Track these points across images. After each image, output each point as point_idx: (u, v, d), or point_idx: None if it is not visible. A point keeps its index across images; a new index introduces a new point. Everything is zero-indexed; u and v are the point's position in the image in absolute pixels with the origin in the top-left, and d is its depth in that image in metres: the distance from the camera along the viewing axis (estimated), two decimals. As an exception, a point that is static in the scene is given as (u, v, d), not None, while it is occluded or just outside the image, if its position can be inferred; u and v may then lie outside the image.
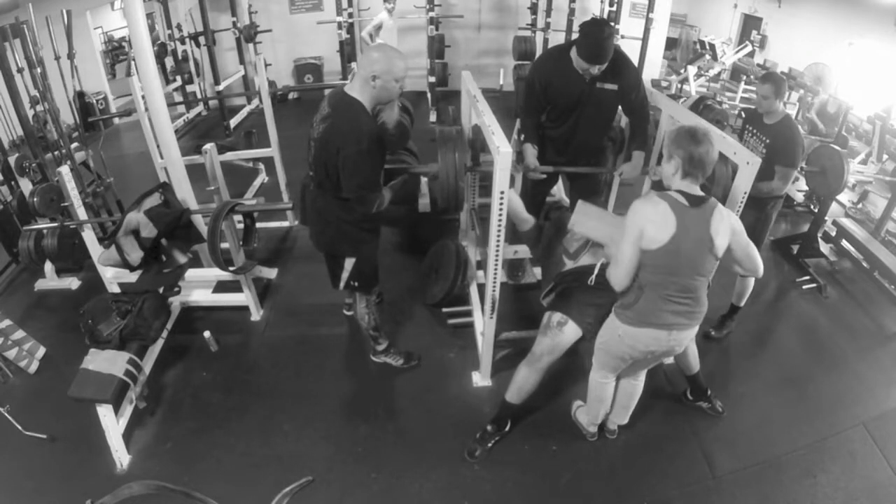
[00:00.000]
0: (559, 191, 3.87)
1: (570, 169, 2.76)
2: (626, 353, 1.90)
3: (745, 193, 2.02)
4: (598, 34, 2.34)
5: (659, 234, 1.64)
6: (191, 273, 2.99)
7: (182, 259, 2.72)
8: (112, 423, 2.22)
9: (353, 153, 1.91)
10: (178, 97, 6.39)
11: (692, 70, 6.40)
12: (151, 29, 6.37)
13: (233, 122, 6.06)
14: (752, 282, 2.79)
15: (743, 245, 1.75)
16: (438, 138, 2.21)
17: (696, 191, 1.69)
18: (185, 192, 2.79)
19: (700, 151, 1.62)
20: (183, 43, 6.27)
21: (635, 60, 6.09)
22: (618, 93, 2.55)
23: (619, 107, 2.68)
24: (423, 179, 3.83)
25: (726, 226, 1.68)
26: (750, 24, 8.08)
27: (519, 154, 2.77)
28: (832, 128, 5.21)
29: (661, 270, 1.69)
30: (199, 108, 6.61)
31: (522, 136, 2.77)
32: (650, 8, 5.92)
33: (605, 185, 3.11)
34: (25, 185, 3.26)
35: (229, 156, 4.15)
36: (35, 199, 2.90)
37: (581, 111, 2.61)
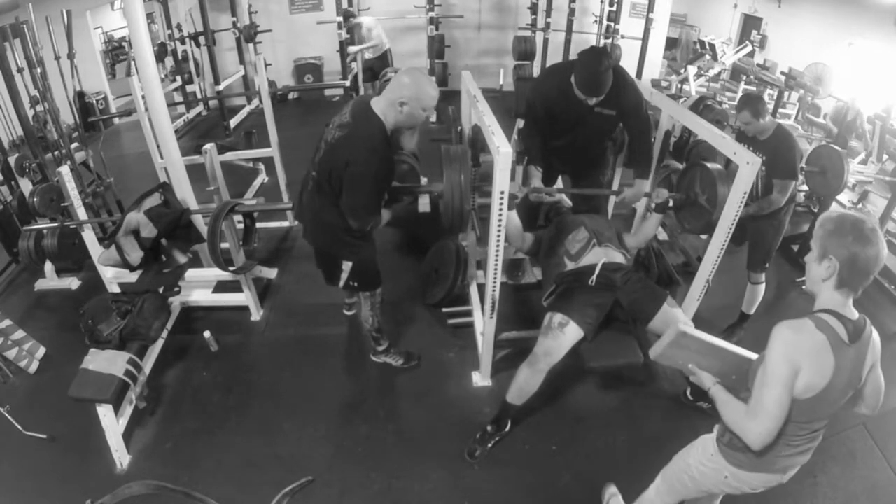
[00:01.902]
0: (559, 191, 3.88)
1: (574, 190, 2.78)
2: (723, 490, 1.55)
3: (745, 194, 2.02)
4: (594, 67, 2.29)
5: (815, 379, 1.22)
6: (191, 273, 2.98)
7: (182, 259, 2.72)
8: (112, 423, 2.22)
9: (362, 172, 1.88)
10: (178, 97, 6.39)
11: (692, 70, 6.39)
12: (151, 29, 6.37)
13: (233, 122, 6.06)
14: (762, 289, 2.76)
15: (876, 375, 1.35)
16: (444, 157, 2.18)
17: (852, 310, 1.27)
18: (185, 192, 2.79)
19: (868, 254, 1.19)
20: (183, 43, 6.27)
21: (635, 60, 6.17)
22: (616, 117, 2.56)
23: None
24: (424, 179, 3.84)
25: (874, 355, 1.32)
26: (750, 24, 8.08)
27: (519, 154, 2.77)
28: (848, 134, 5.17)
29: (795, 418, 1.29)
30: (199, 108, 6.61)
31: (526, 159, 2.77)
32: (650, 8, 5.92)
33: (606, 185, 3.12)
34: (25, 185, 3.26)
35: (229, 156, 4.15)
36: (35, 199, 2.90)
37: (580, 130, 2.63)
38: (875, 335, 1.31)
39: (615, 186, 3.31)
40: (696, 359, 1.52)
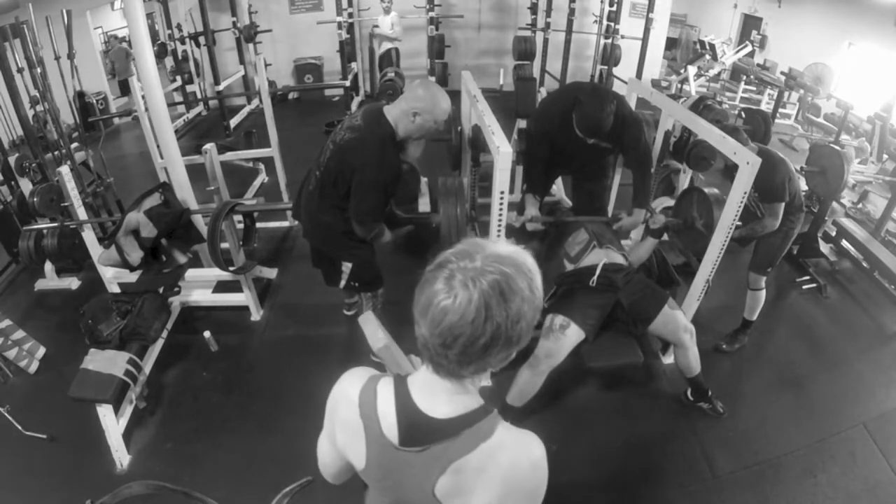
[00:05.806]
0: (559, 191, 3.88)
1: (570, 219, 2.79)
2: None
3: (746, 194, 2.02)
4: (597, 114, 2.28)
5: (350, 454, 0.88)
6: (191, 273, 2.98)
7: (182, 259, 2.72)
8: (112, 423, 2.22)
9: (370, 180, 1.89)
10: (178, 97, 6.39)
11: (692, 70, 6.40)
12: (152, 29, 6.38)
13: (233, 122, 6.05)
14: (762, 295, 2.73)
15: None
16: (441, 190, 2.19)
17: (447, 403, 0.81)
18: (185, 192, 2.79)
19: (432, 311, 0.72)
20: (183, 43, 6.27)
21: (635, 60, 6.15)
22: (614, 149, 2.65)
23: None
24: (423, 179, 3.85)
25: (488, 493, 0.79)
26: (750, 24, 8.08)
27: (518, 154, 2.77)
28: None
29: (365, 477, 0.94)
30: (199, 108, 6.60)
31: (525, 186, 2.77)
32: (650, 8, 5.92)
33: (609, 188, 3.12)
34: (25, 185, 3.25)
35: (229, 156, 4.15)
36: (35, 199, 2.89)
37: (582, 156, 2.67)
38: (499, 461, 0.77)
39: (615, 186, 3.31)
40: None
